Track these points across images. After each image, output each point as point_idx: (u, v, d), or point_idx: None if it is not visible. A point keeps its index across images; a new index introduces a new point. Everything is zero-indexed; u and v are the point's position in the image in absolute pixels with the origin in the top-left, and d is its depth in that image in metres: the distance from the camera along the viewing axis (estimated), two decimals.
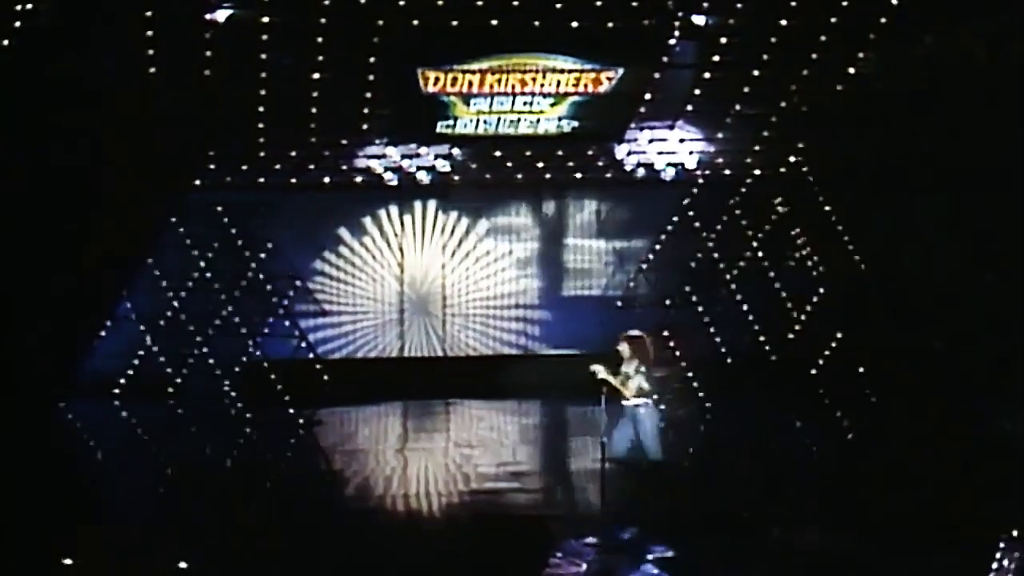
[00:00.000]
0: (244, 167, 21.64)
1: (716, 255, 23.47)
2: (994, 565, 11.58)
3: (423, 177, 22.48)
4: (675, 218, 23.62)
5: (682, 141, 22.31)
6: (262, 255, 22.66)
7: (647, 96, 20.80)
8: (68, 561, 12.03)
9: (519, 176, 22.88)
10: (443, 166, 22.28)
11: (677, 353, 22.36)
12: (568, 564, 12.17)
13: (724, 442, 19.50)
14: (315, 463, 18.68)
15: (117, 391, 22.04)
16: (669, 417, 14.42)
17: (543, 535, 12.87)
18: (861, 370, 22.45)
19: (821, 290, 23.39)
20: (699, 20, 19.75)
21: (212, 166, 21.31)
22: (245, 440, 20.12)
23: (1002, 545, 11.96)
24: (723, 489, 15.73)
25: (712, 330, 23.45)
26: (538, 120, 20.42)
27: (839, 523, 13.71)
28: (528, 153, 22.14)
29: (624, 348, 14.40)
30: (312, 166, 21.93)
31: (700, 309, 23.47)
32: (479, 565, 12.22)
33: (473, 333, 24.30)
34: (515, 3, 19.06)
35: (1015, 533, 12.29)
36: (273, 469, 18.40)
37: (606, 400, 14.00)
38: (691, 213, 23.53)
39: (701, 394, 22.07)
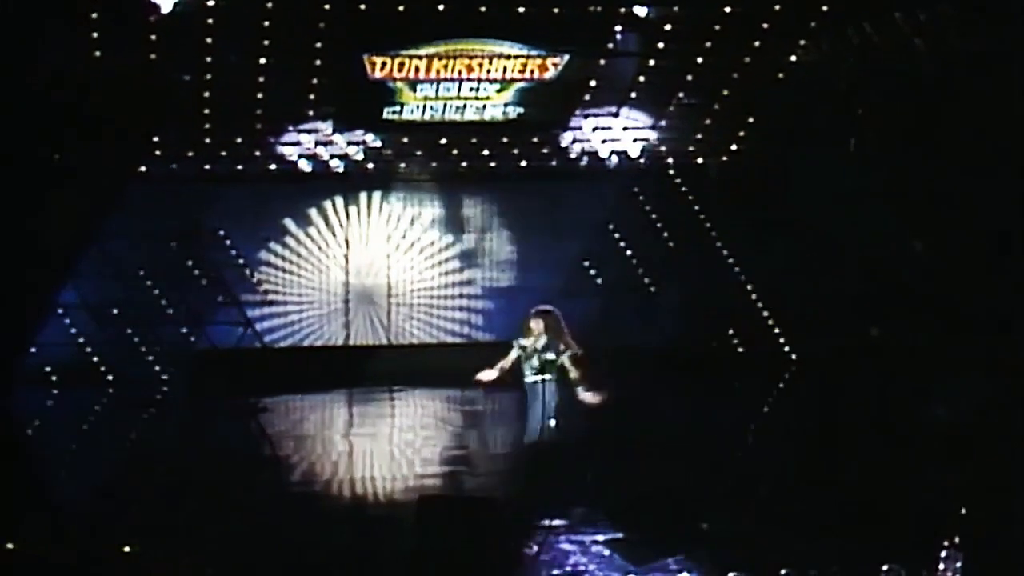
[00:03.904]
0: (189, 154, 21.55)
1: (659, 243, 23.58)
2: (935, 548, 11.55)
3: (369, 164, 22.46)
4: (618, 206, 23.72)
5: (626, 129, 22.42)
6: (208, 244, 22.65)
7: (592, 83, 20.88)
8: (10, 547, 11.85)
9: (465, 163, 22.88)
10: (389, 153, 22.27)
11: None
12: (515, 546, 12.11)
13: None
14: (260, 450, 18.45)
15: (60, 380, 21.89)
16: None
17: (477, 518, 12.73)
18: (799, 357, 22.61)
19: (763, 278, 23.53)
20: (643, 8, 19.82)
21: (157, 153, 21.19)
22: (190, 428, 19.97)
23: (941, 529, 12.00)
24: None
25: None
26: (484, 106, 20.47)
27: (776, 511, 13.63)
28: (474, 140, 22.16)
29: (535, 323, 13.69)
30: (257, 153, 21.88)
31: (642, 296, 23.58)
32: (419, 546, 12.11)
33: (417, 322, 24.33)
34: None
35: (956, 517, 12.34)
36: (218, 457, 18.03)
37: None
38: (634, 201, 23.64)
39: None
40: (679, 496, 14.46)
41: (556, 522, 12.97)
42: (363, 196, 23.89)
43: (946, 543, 11.37)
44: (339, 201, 23.81)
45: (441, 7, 19.21)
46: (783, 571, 10.94)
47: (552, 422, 13.85)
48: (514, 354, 13.79)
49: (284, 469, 16.81)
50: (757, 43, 20.75)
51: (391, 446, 18.55)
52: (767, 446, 17.77)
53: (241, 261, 23.22)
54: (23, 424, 20.20)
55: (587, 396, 13.81)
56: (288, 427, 20.19)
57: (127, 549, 11.81)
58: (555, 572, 11.64)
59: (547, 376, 13.79)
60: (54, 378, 21.86)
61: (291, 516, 13.82)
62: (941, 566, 10.95)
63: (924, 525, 12.15)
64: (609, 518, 13.19)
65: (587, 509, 13.55)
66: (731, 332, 23.73)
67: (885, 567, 10.64)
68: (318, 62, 19.95)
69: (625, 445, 18.15)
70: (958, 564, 10.95)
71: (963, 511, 12.60)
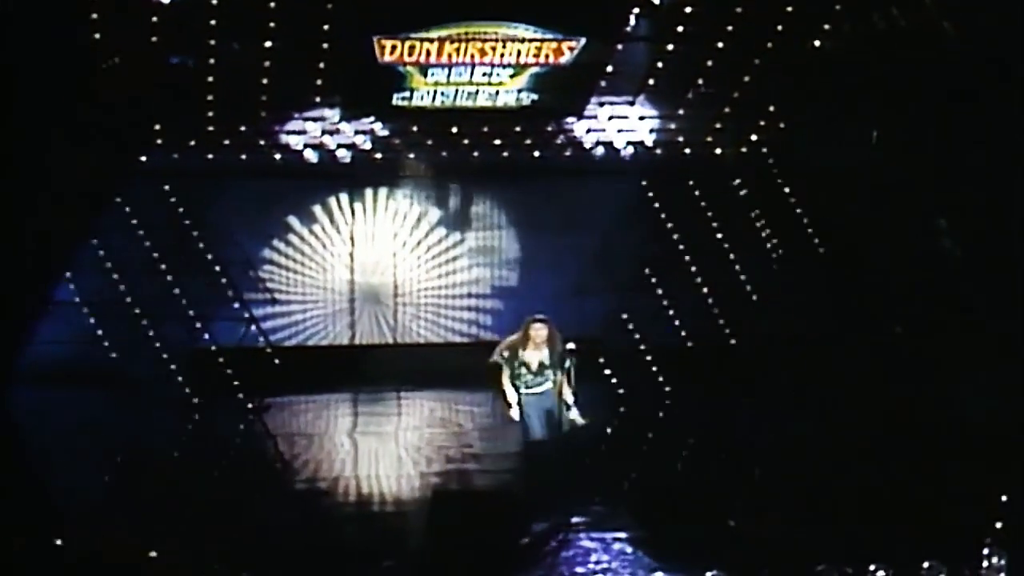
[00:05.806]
0: (191, 143, 21.01)
1: (674, 239, 23.10)
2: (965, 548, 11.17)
3: (377, 154, 21.94)
4: (632, 200, 23.30)
5: (642, 118, 21.85)
6: (212, 239, 22.28)
7: (609, 69, 20.31)
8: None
9: (476, 153, 22.33)
10: (398, 142, 21.75)
11: None
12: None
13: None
14: (264, 450, 18.24)
15: (59, 378, 21.24)
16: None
17: (490, 519, 12.42)
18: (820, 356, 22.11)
19: (782, 274, 23.09)
20: None
21: (158, 142, 20.67)
22: (193, 427, 19.79)
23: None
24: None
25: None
26: (497, 92, 19.84)
27: (801, 511, 13.48)
28: (486, 128, 21.58)
29: (535, 334, 13.65)
30: (262, 142, 21.34)
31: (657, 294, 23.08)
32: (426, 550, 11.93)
33: (424, 322, 23.92)
34: None
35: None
36: (221, 457, 17.96)
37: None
38: (649, 195, 23.16)
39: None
40: (706, 493, 14.36)
41: (577, 519, 12.91)
42: (369, 192, 23.57)
43: (988, 540, 10.92)
44: (344, 197, 23.50)
45: None
46: (819, 568, 10.64)
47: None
48: (506, 374, 13.80)
49: (288, 469, 16.62)
50: (779, 27, 20.12)
51: (399, 447, 18.20)
52: (793, 443, 17.44)
53: (244, 258, 22.80)
54: (22, 423, 19.91)
55: (577, 418, 13.62)
56: (292, 427, 19.86)
57: (129, 549, 11.56)
58: (578, 570, 11.42)
59: (548, 387, 13.67)
60: (53, 377, 21.16)
61: (298, 516, 13.80)
62: (984, 564, 10.59)
63: (965, 522, 11.78)
64: (632, 516, 13.06)
65: (609, 507, 13.52)
66: (748, 329, 23.21)
67: (926, 564, 10.42)
68: (325, 45, 19.27)
69: (642, 443, 18.04)
70: (1001, 561, 10.57)
71: (1005, 507, 12.11)
